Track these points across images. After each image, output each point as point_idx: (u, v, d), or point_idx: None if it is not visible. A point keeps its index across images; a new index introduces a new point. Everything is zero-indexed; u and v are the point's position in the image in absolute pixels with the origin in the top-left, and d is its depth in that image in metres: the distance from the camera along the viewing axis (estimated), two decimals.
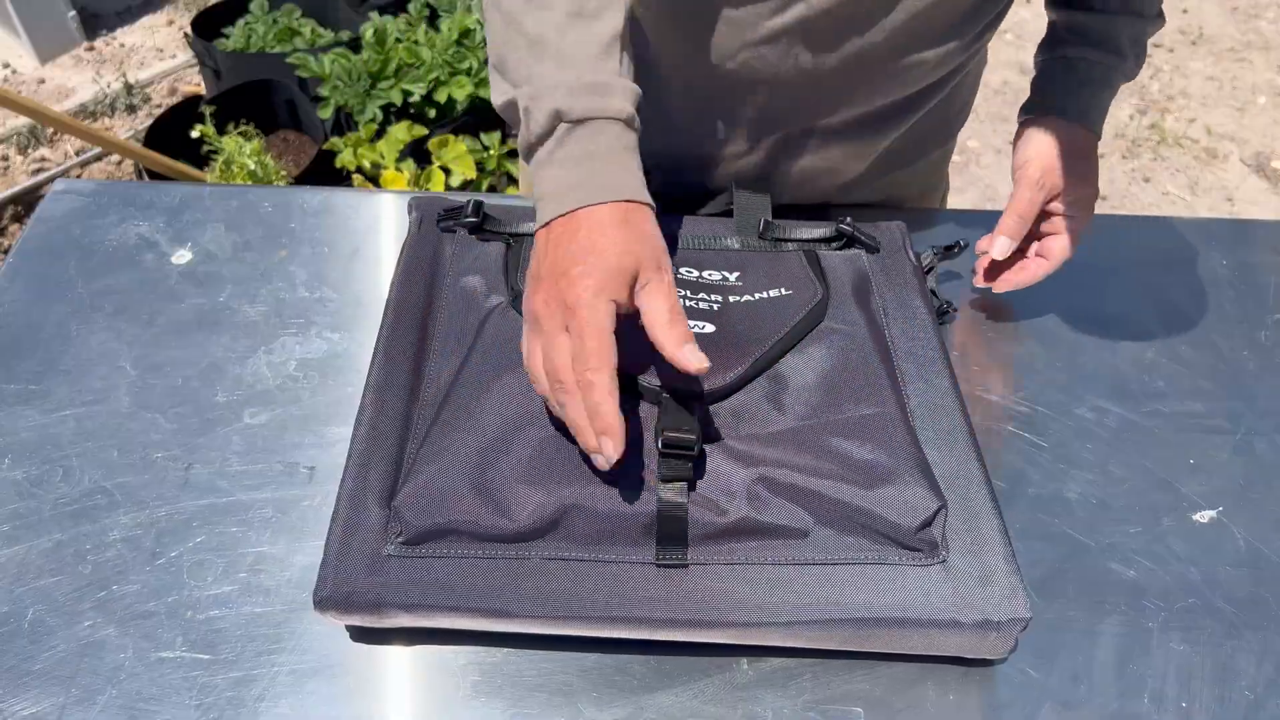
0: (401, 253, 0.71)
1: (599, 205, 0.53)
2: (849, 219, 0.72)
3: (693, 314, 0.63)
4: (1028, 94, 0.78)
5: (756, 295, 0.67)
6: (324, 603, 0.53)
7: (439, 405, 0.59)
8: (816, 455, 0.56)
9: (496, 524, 0.53)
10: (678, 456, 0.53)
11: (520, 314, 0.62)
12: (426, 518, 0.54)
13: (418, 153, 1.87)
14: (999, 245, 0.73)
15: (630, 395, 0.58)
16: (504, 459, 0.55)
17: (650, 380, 0.57)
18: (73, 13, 2.45)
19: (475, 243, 0.70)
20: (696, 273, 0.69)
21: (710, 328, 0.62)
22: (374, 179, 1.84)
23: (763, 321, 0.64)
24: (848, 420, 0.58)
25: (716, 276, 0.69)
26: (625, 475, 0.54)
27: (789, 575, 0.54)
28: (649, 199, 0.56)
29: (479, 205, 0.71)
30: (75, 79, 2.41)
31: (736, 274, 0.69)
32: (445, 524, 0.54)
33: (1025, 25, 2.69)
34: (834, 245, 0.73)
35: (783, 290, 0.67)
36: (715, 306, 0.65)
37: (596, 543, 0.54)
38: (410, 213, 0.74)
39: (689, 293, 0.66)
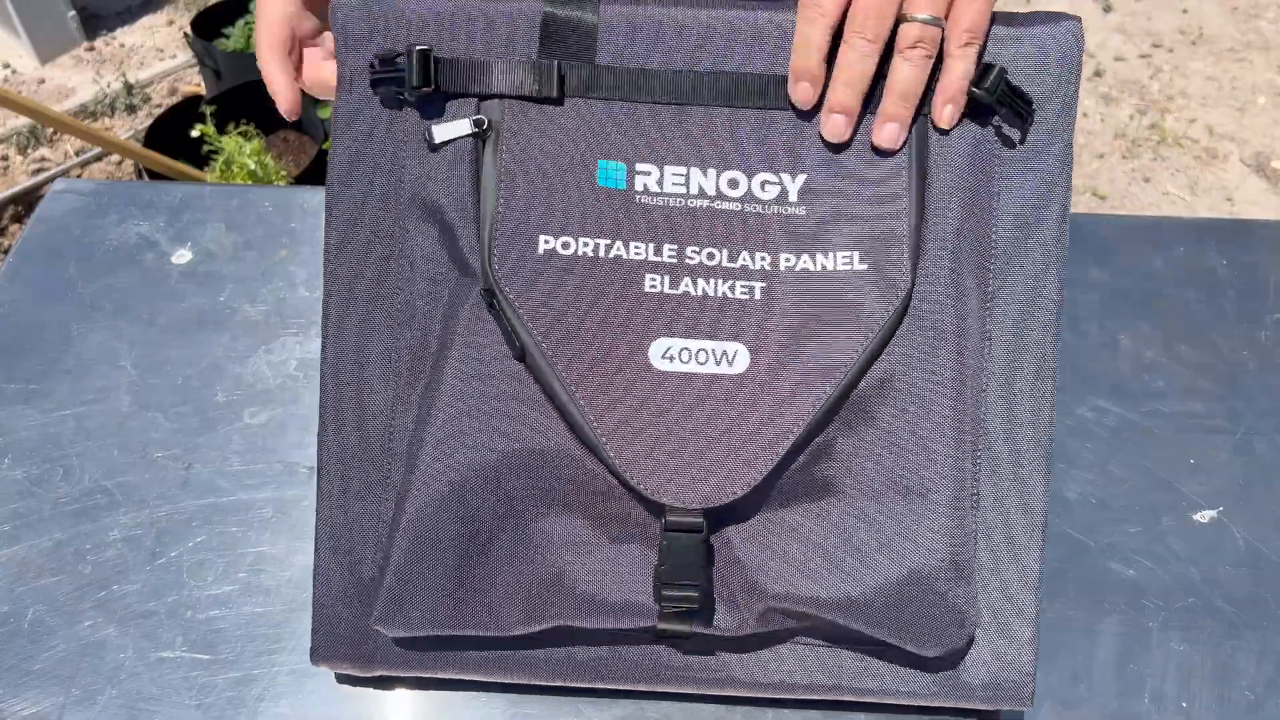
0: (330, 164, 0.50)
1: None
2: (1000, 67, 0.46)
3: (714, 325, 0.47)
4: None
5: (818, 262, 0.47)
6: (315, 658, 0.53)
7: (406, 472, 0.49)
8: (842, 576, 0.49)
9: (485, 632, 0.50)
10: (679, 612, 0.48)
11: (494, 309, 0.48)
12: (407, 631, 0.50)
13: None
14: None
15: (630, 501, 0.50)
16: (487, 566, 0.50)
17: (653, 489, 0.46)
18: (73, 13, 2.45)
19: (426, 155, 0.48)
20: (746, 181, 0.47)
21: (741, 359, 0.46)
22: None
23: (818, 340, 0.47)
24: (892, 514, 0.49)
25: (774, 187, 0.48)
26: (619, 592, 0.49)
27: (789, 656, 0.52)
28: None
29: (425, 56, 0.47)
30: (75, 79, 2.40)
31: (803, 177, 0.48)
32: (430, 635, 0.50)
33: None
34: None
35: (855, 262, 0.47)
36: (757, 290, 0.47)
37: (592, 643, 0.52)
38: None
39: (726, 258, 0.47)
